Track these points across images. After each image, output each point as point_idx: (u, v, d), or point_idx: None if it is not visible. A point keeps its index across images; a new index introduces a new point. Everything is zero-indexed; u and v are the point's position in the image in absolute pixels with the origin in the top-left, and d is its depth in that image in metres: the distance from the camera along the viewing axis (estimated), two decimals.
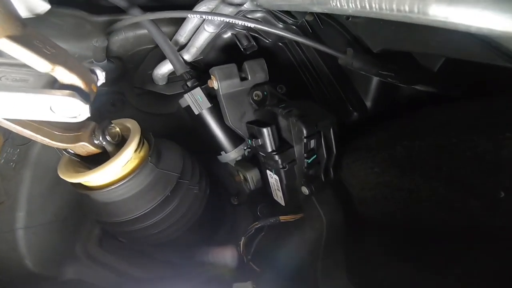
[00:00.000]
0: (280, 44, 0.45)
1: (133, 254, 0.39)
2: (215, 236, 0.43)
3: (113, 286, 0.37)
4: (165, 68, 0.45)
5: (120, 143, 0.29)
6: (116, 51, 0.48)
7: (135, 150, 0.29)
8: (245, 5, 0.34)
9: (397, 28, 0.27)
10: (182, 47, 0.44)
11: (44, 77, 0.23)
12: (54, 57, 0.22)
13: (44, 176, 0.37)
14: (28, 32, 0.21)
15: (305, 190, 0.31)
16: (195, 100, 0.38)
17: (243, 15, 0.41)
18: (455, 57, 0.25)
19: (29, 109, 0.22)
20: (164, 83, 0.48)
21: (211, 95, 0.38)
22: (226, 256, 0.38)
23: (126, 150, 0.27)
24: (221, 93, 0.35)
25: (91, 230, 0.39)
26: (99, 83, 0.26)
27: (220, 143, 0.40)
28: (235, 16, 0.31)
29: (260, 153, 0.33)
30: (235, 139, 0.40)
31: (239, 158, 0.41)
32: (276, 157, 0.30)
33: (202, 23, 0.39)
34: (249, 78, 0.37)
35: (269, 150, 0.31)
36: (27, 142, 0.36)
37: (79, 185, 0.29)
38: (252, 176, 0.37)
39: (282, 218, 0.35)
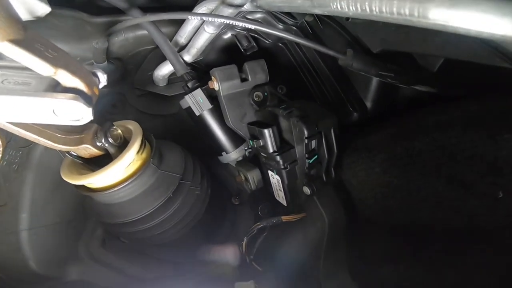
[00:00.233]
0: (280, 44, 0.45)
1: (135, 254, 0.40)
2: (216, 235, 0.43)
3: (116, 286, 0.37)
4: (165, 69, 0.45)
5: (122, 145, 0.29)
6: (116, 52, 0.48)
7: (137, 152, 0.29)
8: (245, 6, 0.34)
9: (396, 29, 0.27)
10: (182, 47, 0.44)
11: (46, 80, 0.23)
12: (56, 61, 0.22)
13: (47, 178, 0.37)
14: (30, 35, 0.21)
15: (306, 190, 0.32)
16: (196, 102, 0.38)
17: (243, 16, 0.41)
18: (454, 58, 0.25)
19: (32, 113, 0.22)
20: (165, 84, 0.49)
21: (212, 96, 0.38)
22: (228, 254, 0.38)
23: (128, 152, 0.27)
24: (221, 94, 0.36)
25: (94, 231, 0.39)
26: (100, 86, 0.26)
27: (221, 144, 0.40)
28: (235, 17, 0.31)
29: (262, 153, 0.33)
30: (236, 139, 0.40)
31: (240, 158, 0.41)
32: (278, 158, 0.30)
33: (202, 24, 0.39)
34: (250, 79, 0.37)
35: (271, 151, 0.31)
36: (29, 145, 0.36)
37: (82, 187, 0.29)
38: (253, 176, 0.37)
39: (284, 218, 0.35)
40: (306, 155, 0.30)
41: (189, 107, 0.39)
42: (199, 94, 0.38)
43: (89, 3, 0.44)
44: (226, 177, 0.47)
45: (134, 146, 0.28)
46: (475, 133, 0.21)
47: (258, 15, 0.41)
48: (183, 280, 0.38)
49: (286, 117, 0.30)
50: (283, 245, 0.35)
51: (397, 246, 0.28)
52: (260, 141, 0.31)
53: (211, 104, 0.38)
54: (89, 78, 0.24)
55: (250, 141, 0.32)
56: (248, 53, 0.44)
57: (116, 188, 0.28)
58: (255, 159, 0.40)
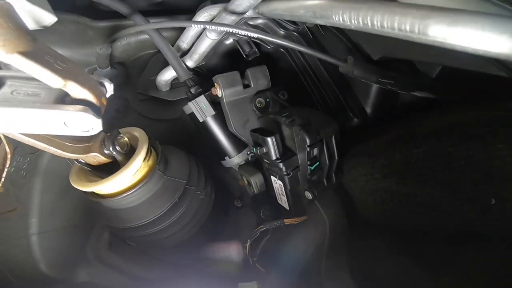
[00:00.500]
0: (281, 50, 0.45)
1: (141, 257, 0.41)
2: (219, 237, 0.44)
3: (123, 287, 0.39)
4: (168, 75, 0.46)
5: (129, 152, 0.30)
6: (119, 56, 0.49)
7: (144, 159, 0.30)
8: (247, 13, 0.34)
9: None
10: (184, 53, 0.45)
11: (55, 91, 0.24)
12: (66, 73, 0.22)
13: (54, 184, 0.38)
14: (39, 46, 0.21)
15: (308, 195, 0.33)
16: (200, 108, 0.38)
17: (245, 22, 0.41)
18: (452, 66, 0.26)
19: (43, 124, 0.22)
20: (167, 89, 0.49)
21: (215, 102, 0.39)
22: (231, 251, 0.40)
23: (135, 160, 0.28)
24: (224, 100, 0.36)
25: (101, 234, 0.40)
26: (107, 95, 0.27)
27: (224, 149, 0.41)
28: (237, 26, 0.32)
29: (265, 160, 0.34)
30: (239, 144, 0.41)
31: (243, 162, 0.42)
32: (281, 165, 0.31)
33: (204, 30, 0.40)
34: (252, 85, 0.38)
35: (274, 158, 0.32)
36: (37, 151, 0.36)
37: (91, 193, 0.30)
38: (255, 180, 0.38)
39: (287, 221, 0.36)
40: (308, 162, 0.31)
41: (192, 113, 0.39)
42: (202, 100, 0.38)
43: (91, 8, 0.44)
44: (229, 180, 0.48)
45: (141, 154, 0.29)
46: (470, 142, 0.22)
47: (259, 21, 0.42)
48: (188, 281, 0.40)
49: (288, 125, 0.30)
50: (285, 247, 0.37)
51: (396, 248, 0.29)
52: (263, 148, 0.32)
53: (214, 111, 0.39)
54: (98, 89, 0.25)
55: (253, 148, 0.33)
56: (250, 59, 0.44)
57: (124, 195, 0.29)
58: (257, 163, 0.41)
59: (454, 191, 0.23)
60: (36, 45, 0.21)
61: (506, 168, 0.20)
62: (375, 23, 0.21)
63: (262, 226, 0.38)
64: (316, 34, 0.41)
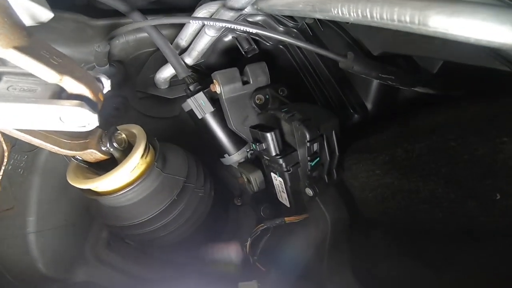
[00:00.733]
0: (281, 46, 0.45)
1: (140, 256, 0.41)
2: (219, 236, 0.44)
3: (122, 286, 0.38)
4: (167, 72, 0.46)
5: (126, 149, 0.29)
6: (118, 55, 0.49)
7: (142, 156, 0.29)
8: (246, 9, 0.34)
9: (396, 32, 0.27)
10: (183, 50, 0.44)
11: (51, 86, 0.23)
12: (62, 67, 0.22)
13: (52, 182, 0.37)
14: (35, 41, 0.21)
15: (309, 191, 0.32)
16: (198, 105, 0.38)
17: (243, 19, 0.41)
18: (454, 61, 0.25)
19: (39, 120, 0.22)
20: (166, 86, 0.49)
21: (214, 99, 0.39)
22: (231, 252, 0.39)
23: (133, 156, 0.28)
24: (223, 97, 0.36)
25: (99, 233, 0.40)
26: (104, 91, 0.27)
27: (223, 146, 0.41)
28: (236, 22, 0.31)
29: (264, 156, 0.34)
30: (238, 142, 0.41)
31: (242, 160, 0.42)
32: (280, 161, 0.31)
33: (203, 27, 0.40)
34: (251, 82, 0.37)
35: (273, 154, 0.31)
36: (34, 149, 0.36)
37: (89, 190, 0.30)
38: (255, 178, 0.38)
39: (287, 219, 0.35)
40: (308, 157, 0.30)
41: (191, 110, 0.39)
42: (201, 97, 0.38)
43: (90, 6, 0.44)
44: (228, 178, 0.48)
45: (139, 151, 0.28)
46: (473, 136, 0.22)
47: (258, 18, 0.41)
48: (187, 280, 0.39)
49: (288, 120, 0.30)
50: (286, 246, 0.36)
51: (398, 245, 0.29)
52: (263, 144, 0.31)
53: (213, 107, 0.38)
54: (94, 84, 0.25)
55: (253, 145, 0.33)
56: (249, 56, 0.44)
57: (121, 192, 0.29)
58: (257, 161, 0.41)
59: (457, 186, 0.22)
60: (31, 40, 0.21)
61: (510, 162, 0.19)
62: (374, 15, 0.20)
63: (262, 224, 0.37)
64: (315, 30, 0.41)
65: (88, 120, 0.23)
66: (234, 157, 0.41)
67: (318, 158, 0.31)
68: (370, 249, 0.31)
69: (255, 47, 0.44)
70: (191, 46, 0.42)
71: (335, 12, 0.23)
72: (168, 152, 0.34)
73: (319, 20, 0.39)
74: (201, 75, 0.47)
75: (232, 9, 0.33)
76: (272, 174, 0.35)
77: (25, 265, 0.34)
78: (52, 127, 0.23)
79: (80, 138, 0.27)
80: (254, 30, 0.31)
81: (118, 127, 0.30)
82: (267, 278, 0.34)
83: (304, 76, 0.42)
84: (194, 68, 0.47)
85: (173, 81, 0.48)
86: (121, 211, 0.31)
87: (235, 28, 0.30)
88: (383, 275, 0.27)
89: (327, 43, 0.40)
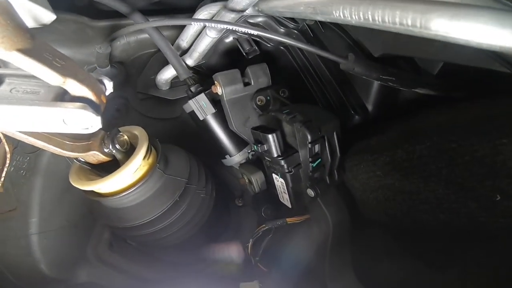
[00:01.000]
0: (282, 48, 0.45)
1: (142, 256, 0.41)
2: (220, 237, 0.44)
3: (124, 287, 0.38)
4: (168, 74, 0.46)
5: (128, 151, 0.30)
6: (119, 56, 0.49)
7: (144, 158, 0.29)
8: (247, 11, 0.34)
9: (397, 33, 0.28)
10: (184, 51, 0.45)
11: (54, 88, 0.23)
12: (65, 70, 0.22)
13: (54, 183, 0.37)
14: (38, 44, 0.21)
15: (310, 192, 0.32)
16: (200, 106, 0.38)
17: (244, 20, 0.41)
18: (454, 62, 0.26)
19: (42, 122, 0.22)
20: (167, 87, 0.49)
21: (215, 100, 0.39)
22: (232, 252, 0.39)
23: (135, 158, 0.28)
24: (225, 98, 0.36)
25: (101, 234, 0.40)
26: (107, 93, 0.27)
27: (224, 147, 0.41)
28: (237, 23, 0.32)
29: (266, 157, 0.34)
30: (239, 143, 0.41)
31: (244, 161, 0.42)
32: (282, 162, 0.31)
33: (204, 28, 0.40)
34: (252, 83, 0.37)
35: (275, 155, 0.32)
36: (36, 150, 0.36)
37: (91, 192, 0.30)
38: (256, 179, 0.38)
39: (289, 220, 0.36)
40: (310, 159, 0.30)
41: (193, 111, 0.39)
42: (202, 99, 0.38)
43: (91, 7, 0.44)
44: (230, 178, 0.48)
45: (141, 152, 0.28)
46: (474, 137, 0.22)
47: (259, 19, 0.42)
48: (189, 280, 0.39)
49: (289, 122, 0.30)
50: (288, 246, 0.36)
51: (399, 245, 0.29)
52: (264, 146, 0.31)
53: (215, 109, 0.38)
54: (97, 86, 0.25)
55: (255, 146, 0.33)
56: (250, 57, 0.44)
57: (124, 193, 0.29)
58: (258, 161, 0.41)
59: (458, 187, 0.23)
60: (34, 42, 0.21)
61: (511, 163, 0.19)
62: (376, 18, 0.20)
63: (264, 225, 0.37)
64: (316, 32, 0.41)
65: (91, 122, 0.23)
66: (236, 158, 0.41)
67: (319, 159, 0.31)
68: (372, 249, 0.31)
69: (256, 48, 0.44)
70: (192, 47, 0.42)
71: (337, 15, 0.23)
72: (170, 153, 0.34)
73: (320, 21, 0.39)
74: (202, 76, 0.47)
75: (233, 10, 0.33)
76: (274, 175, 0.35)
77: (28, 266, 0.34)
78: (55, 130, 0.23)
79: (82, 140, 0.27)
80: (255, 32, 0.31)
81: (120, 129, 0.30)
82: (268, 278, 0.35)
83: (305, 77, 0.42)
84: (195, 69, 0.47)
85: (174, 82, 0.49)
86: (124, 212, 0.31)
87: (236, 30, 0.30)
88: (385, 275, 0.28)
89: (328, 44, 0.40)
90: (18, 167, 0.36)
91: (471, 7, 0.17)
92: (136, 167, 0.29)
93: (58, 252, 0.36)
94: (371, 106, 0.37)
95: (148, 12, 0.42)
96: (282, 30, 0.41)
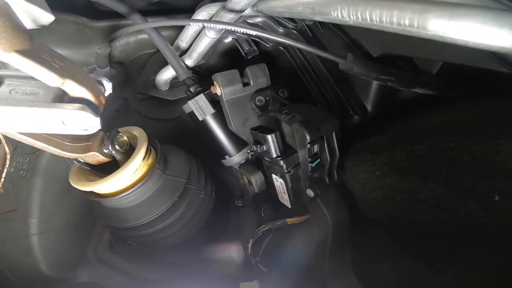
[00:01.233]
0: (281, 48, 0.45)
1: (142, 257, 0.41)
2: (220, 237, 0.44)
3: (123, 287, 0.38)
4: (167, 74, 0.46)
5: (128, 151, 0.30)
6: (118, 56, 0.49)
7: (143, 158, 0.29)
8: (246, 11, 0.34)
9: (395, 33, 0.28)
10: (183, 52, 0.45)
11: (53, 89, 0.23)
12: (63, 71, 0.22)
13: (54, 184, 0.38)
14: (36, 45, 0.21)
15: (310, 192, 0.32)
16: (199, 107, 0.38)
17: (243, 20, 0.41)
18: (453, 62, 0.26)
19: (42, 123, 0.22)
20: (167, 88, 0.49)
21: (214, 101, 0.39)
22: (232, 252, 0.39)
23: (135, 159, 0.28)
24: (224, 99, 0.36)
25: (101, 235, 0.40)
26: (106, 94, 0.27)
27: (224, 147, 0.41)
28: (235, 24, 0.32)
29: (265, 158, 0.34)
30: (239, 143, 0.41)
31: (243, 161, 0.42)
32: (281, 162, 0.31)
33: (203, 28, 0.40)
34: (251, 83, 0.38)
35: (274, 155, 0.32)
36: (36, 151, 0.36)
37: (91, 193, 0.30)
38: (256, 179, 0.38)
39: (289, 220, 0.36)
40: (309, 159, 0.30)
41: (192, 112, 0.39)
42: (202, 99, 0.38)
43: (90, 8, 0.44)
44: (229, 179, 0.48)
45: (140, 153, 0.28)
46: (472, 137, 0.22)
47: (258, 19, 0.42)
48: (188, 281, 0.39)
49: (288, 122, 0.30)
50: (288, 247, 0.36)
51: (399, 245, 0.29)
52: (264, 146, 0.32)
53: (214, 109, 0.39)
54: (96, 87, 0.25)
55: (254, 146, 0.33)
56: (249, 57, 0.44)
57: (123, 194, 0.29)
58: (257, 161, 0.41)
59: (457, 187, 0.23)
60: (33, 43, 0.21)
61: (509, 163, 0.19)
62: (374, 18, 0.20)
63: (264, 226, 0.37)
64: (315, 32, 0.41)
65: (91, 124, 0.23)
66: (235, 158, 0.41)
67: (318, 160, 0.31)
68: (371, 249, 0.31)
69: (255, 48, 0.44)
70: (192, 47, 0.42)
71: (335, 15, 0.23)
72: (169, 154, 0.34)
73: (319, 21, 0.39)
74: (202, 76, 0.47)
75: (232, 11, 0.33)
76: (273, 176, 0.35)
77: (28, 266, 0.34)
78: (55, 131, 0.23)
79: (82, 141, 0.27)
80: (254, 33, 0.31)
81: (119, 130, 0.30)
82: (268, 278, 0.35)
83: (304, 77, 0.42)
84: (194, 69, 0.47)
85: (174, 82, 0.49)
86: (123, 213, 0.31)
87: (235, 30, 0.30)
88: (384, 275, 0.28)
89: (326, 44, 0.40)
90: (18, 168, 0.36)
91: (468, 7, 0.17)
92: (136, 167, 0.29)
93: (58, 253, 0.37)
94: (370, 106, 0.37)
95: (147, 13, 0.42)
96: (281, 30, 0.41)
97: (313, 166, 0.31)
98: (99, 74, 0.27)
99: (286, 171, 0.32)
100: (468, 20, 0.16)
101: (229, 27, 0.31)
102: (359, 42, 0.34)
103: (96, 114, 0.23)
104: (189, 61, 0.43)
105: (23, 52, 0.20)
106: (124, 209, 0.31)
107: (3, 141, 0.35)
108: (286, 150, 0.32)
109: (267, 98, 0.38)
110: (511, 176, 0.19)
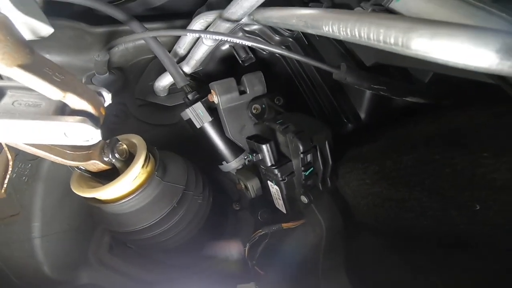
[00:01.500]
0: (277, 55, 0.46)
1: (141, 259, 0.42)
2: (218, 240, 0.45)
3: None
4: (165, 80, 0.47)
5: (128, 159, 0.31)
6: (117, 62, 0.49)
7: (143, 166, 0.30)
8: (242, 20, 0.35)
9: None
10: (181, 58, 0.45)
11: (55, 101, 0.24)
12: (64, 85, 0.23)
13: (56, 188, 0.39)
14: (37, 59, 0.22)
15: (304, 199, 0.34)
16: (197, 115, 0.39)
17: (240, 28, 0.42)
18: (442, 73, 0.26)
19: (44, 135, 0.23)
20: (165, 94, 0.50)
21: (211, 108, 0.40)
22: (232, 248, 0.40)
23: (135, 167, 0.29)
24: (221, 107, 0.37)
25: (102, 238, 0.42)
26: (106, 104, 0.28)
27: (221, 154, 0.42)
28: (231, 35, 0.32)
29: (261, 166, 0.35)
30: (236, 149, 0.42)
31: (240, 167, 0.43)
32: (276, 171, 0.32)
33: (200, 36, 0.40)
34: (248, 91, 0.38)
35: (269, 164, 0.33)
36: (37, 157, 0.37)
37: (92, 199, 0.31)
38: (252, 185, 0.39)
39: (285, 225, 0.37)
40: (302, 168, 0.31)
41: (190, 119, 0.40)
42: (199, 107, 0.39)
43: (88, 14, 0.44)
44: (227, 183, 0.49)
45: (140, 161, 0.29)
46: (455, 150, 0.23)
47: (255, 27, 0.42)
48: (187, 282, 0.41)
49: (282, 132, 0.31)
50: (283, 250, 0.37)
51: (389, 250, 0.30)
52: (259, 155, 0.32)
53: (211, 117, 0.39)
54: (96, 99, 0.26)
55: (249, 155, 0.34)
56: (246, 64, 0.45)
57: (123, 200, 0.30)
58: (254, 167, 0.42)
59: (440, 197, 0.24)
60: (34, 57, 0.22)
61: (490, 176, 0.20)
62: (362, 35, 0.21)
63: (260, 230, 0.38)
64: (310, 40, 0.41)
65: (91, 135, 0.24)
66: (232, 164, 0.42)
67: (311, 168, 0.32)
68: (364, 253, 0.32)
69: (252, 56, 0.44)
70: (189, 55, 0.43)
71: (326, 30, 0.24)
72: (168, 161, 0.35)
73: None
74: (199, 83, 0.47)
75: (228, 20, 0.34)
76: (269, 182, 0.36)
77: (31, 269, 0.35)
78: (57, 142, 0.24)
79: (83, 150, 0.28)
80: (249, 43, 0.32)
81: (119, 137, 0.31)
82: (265, 280, 0.36)
83: (300, 84, 0.43)
84: (192, 76, 0.47)
85: (172, 88, 0.49)
86: (123, 218, 0.32)
87: (231, 40, 0.31)
88: (375, 277, 0.29)
89: (322, 52, 0.41)
90: (20, 174, 0.37)
91: (449, 25, 0.17)
92: (135, 175, 0.30)
93: (60, 255, 0.38)
94: (363, 114, 0.38)
95: (145, 18, 0.43)
96: (277, 38, 0.42)
97: (306, 174, 0.32)
98: (98, 86, 0.27)
99: (280, 179, 0.33)
100: (447, 39, 0.17)
101: (224, 38, 0.32)
102: (353, 51, 0.35)
103: (97, 126, 0.24)
104: (187, 68, 0.44)
105: (25, 67, 0.21)
106: (124, 214, 0.32)
107: (5, 148, 0.36)
108: (281, 159, 0.33)
109: (263, 106, 0.39)
110: (492, 187, 0.21)
